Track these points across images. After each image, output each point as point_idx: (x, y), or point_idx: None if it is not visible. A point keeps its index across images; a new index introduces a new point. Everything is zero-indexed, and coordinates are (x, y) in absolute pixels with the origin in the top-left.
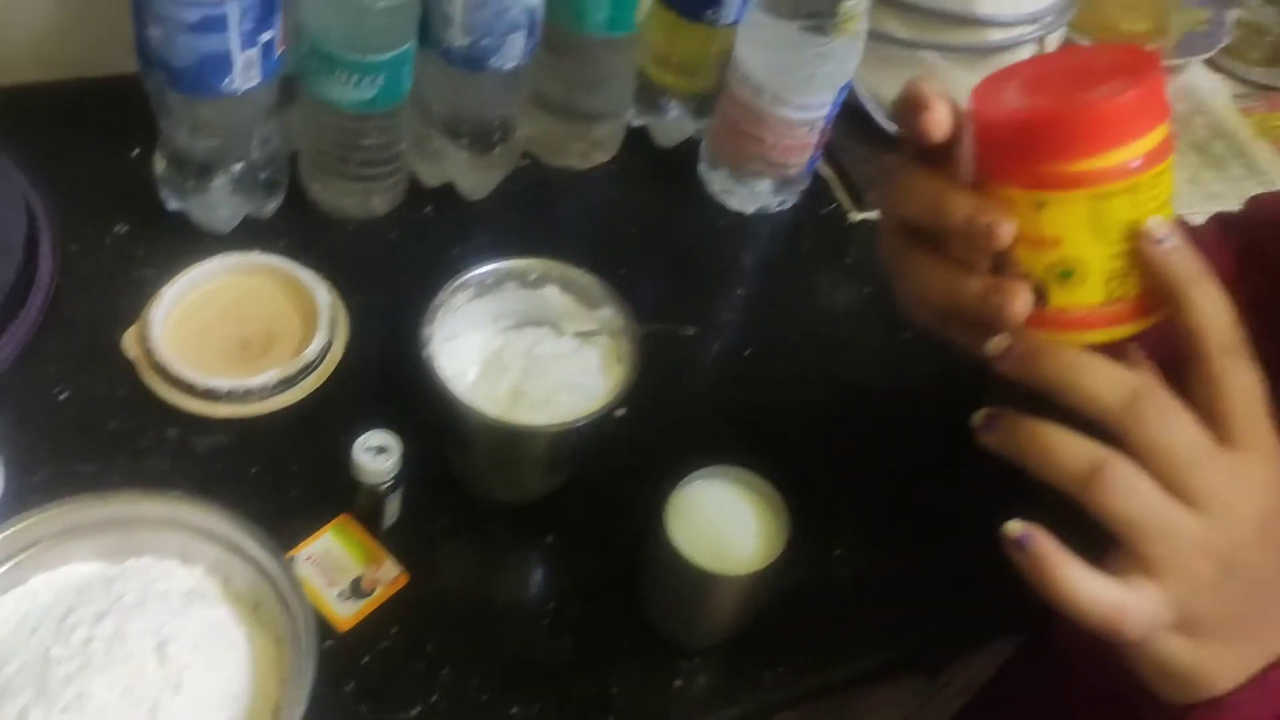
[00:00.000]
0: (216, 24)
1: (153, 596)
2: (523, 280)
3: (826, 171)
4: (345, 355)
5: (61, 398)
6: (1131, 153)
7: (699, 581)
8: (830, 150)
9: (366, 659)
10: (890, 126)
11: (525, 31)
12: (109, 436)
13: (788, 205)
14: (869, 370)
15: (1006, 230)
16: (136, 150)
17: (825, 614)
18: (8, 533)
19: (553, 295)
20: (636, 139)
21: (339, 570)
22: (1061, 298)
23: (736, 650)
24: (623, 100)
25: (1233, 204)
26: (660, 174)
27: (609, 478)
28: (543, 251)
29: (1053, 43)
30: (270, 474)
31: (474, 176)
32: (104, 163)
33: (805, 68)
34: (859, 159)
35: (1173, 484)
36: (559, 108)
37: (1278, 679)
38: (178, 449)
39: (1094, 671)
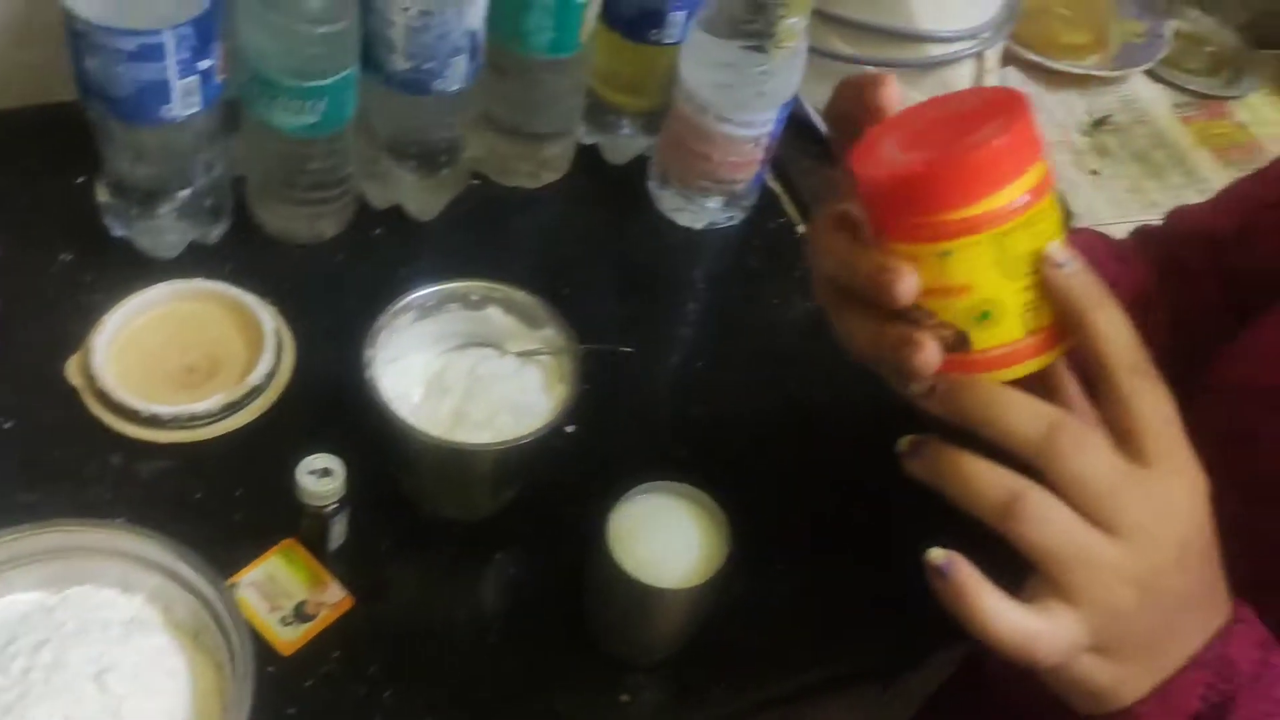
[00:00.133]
0: (153, 53)
1: (93, 625)
2: (465, 302)
3: (775, 186)
4: (292, 379)
5: (5, 427)
6: (1023, 186)
7: (640, 597)
8: (778, 164)
9: (309, 683)
10: None
11: (467, 54)
12: (52, 465)
13: (737, 220)
14: (817, 382)
15: (905, 287)
16: (81, 178)
17: (771, 627)
18: None
19: (495, 316)
20: (588, 157)
21: (282, 595)
22: (984, 340)
23: (683, 665)
24: (571, 120)
25: None
26: (611, 191)
27: (559, 494)
28: (493, 271)
29: (992, 57)
30: (215, 499)
31: (422, 198)
32: (48, 191)
33: (748, 86)
34: (806, 172)
35: (1092, 513)
36: (507, 128)
37: (1181, 687)
38: (121, 476)
39: (1014, 692)
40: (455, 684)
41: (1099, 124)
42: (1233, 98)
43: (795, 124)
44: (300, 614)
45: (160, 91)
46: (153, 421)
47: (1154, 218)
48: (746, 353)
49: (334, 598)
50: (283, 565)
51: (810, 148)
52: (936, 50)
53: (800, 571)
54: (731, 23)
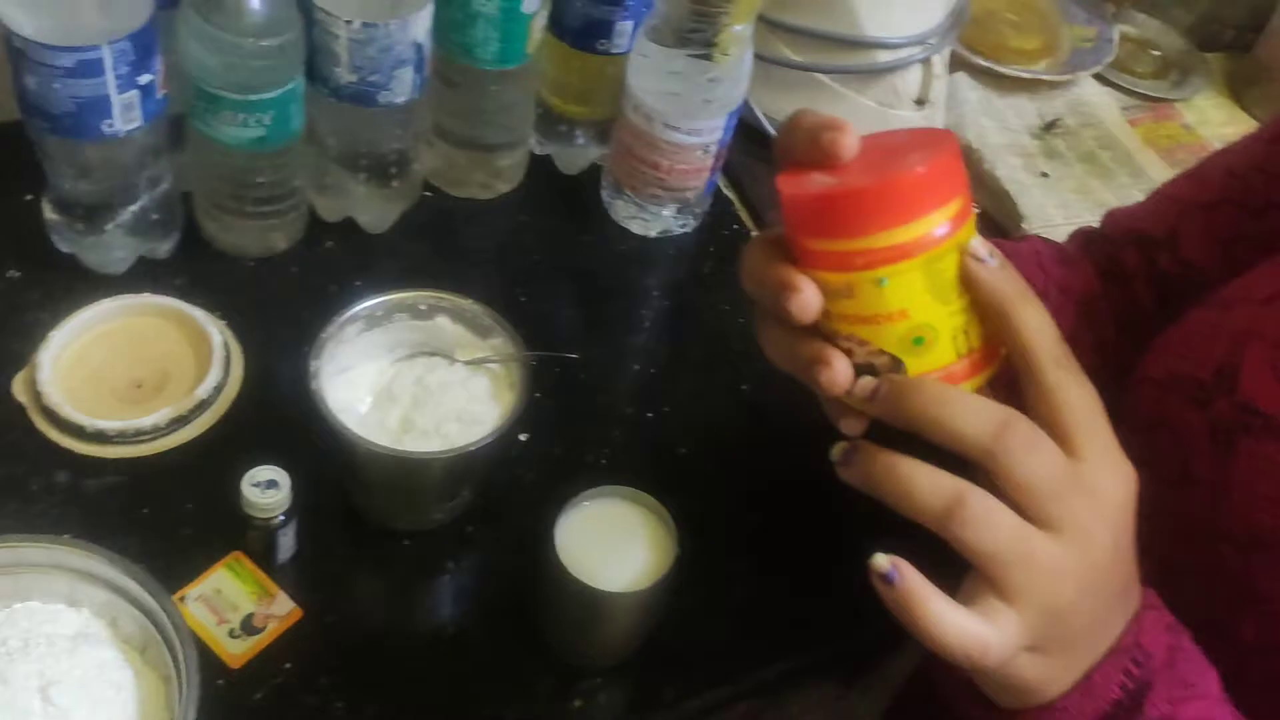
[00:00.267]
0: (92, 68)
1: (39, 640)
2: (413, 311)
3: (729, 193)
4: (241, 392)
5: None
6: (949, 213)
7: (589, 602)
8: (730, 171)
9: (259, 695)
10: None
11: (413, 66)
12: None
13: (690, 227)
14: (770, 385)
15: (801, 302)
16: (29, 195)
17: (726, 627)
18: None
19: (445, 325)
20: (542, 167)
21: (230, 608)
22: (918, 365)
23: (636, 668)
24: (522, 130)
25: None
26: (565, 201)
27: (512, 502)
28: (448, 282)
29: (939, 62)
30: (163, 514)
31: (375, 210)
32: None
33: (695, 94)
34: (758, 178)
35: (1035, 512)
36: (459, 139)
37: (1101, 679)
38: (68, 492)
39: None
40: (407, 694)
41: (1049, 127)
42: (1179, 100)
43: (746, 131)
44: (248, 626)
45: (100, 107)
46: (99, 437)
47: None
48: (701, 357)
49: (282, 610)
50: (230, 578)
51: (762, 154)
52: (884, 56)
53: (753, 571)
54: (677, 31)
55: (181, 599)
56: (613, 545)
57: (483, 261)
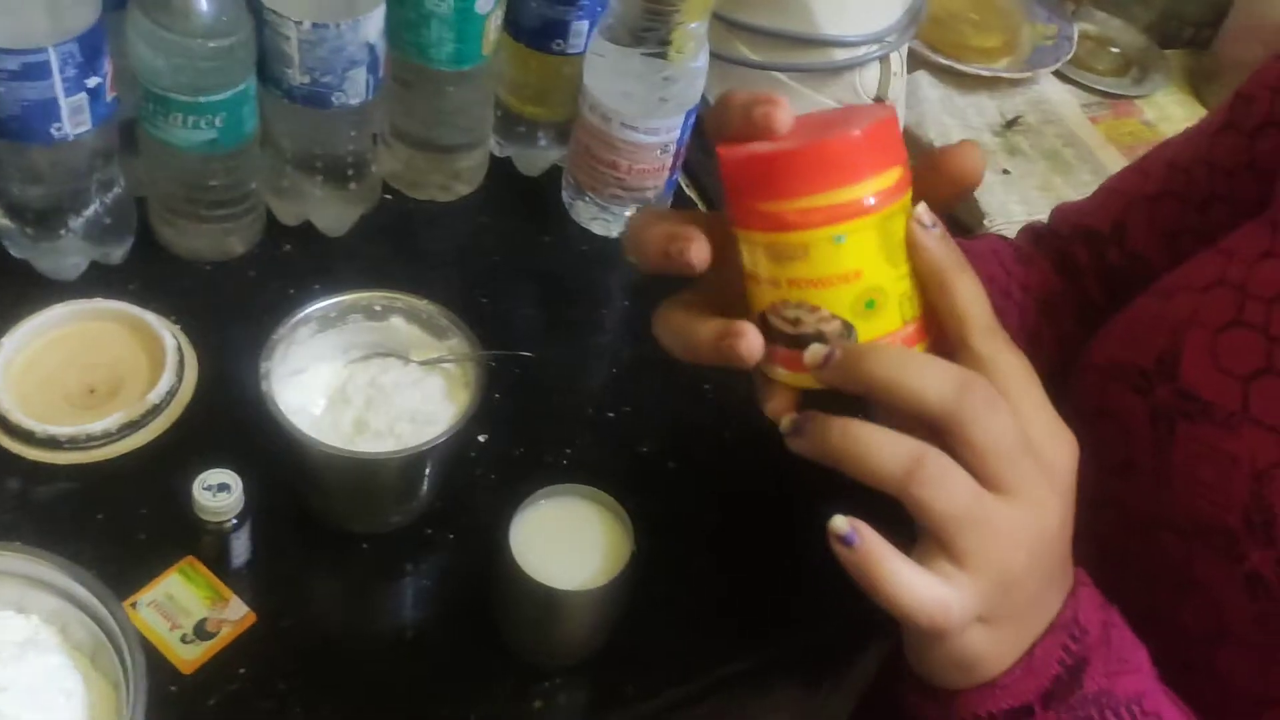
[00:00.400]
0: (38, 71)
1: None
2: (368, 312)
3: (690, 192)
4: (196, 396)
5: None
6: (900, 172)
7: (545, 600)
8: (690, 170)
9: (213, 701)
10: None
11: (366, 67)
12: None
13: None
14: (732, 383)
15: (750, 344)
16: None
17: (687, 626)
18: None
19: (399, 326)
20: (502, 169)
21: (183, 613)
22: (868, 330)
23: (597, 667)
24: (481, 131)
25: None
26: (527, 203)
27: (472, 503)
28: (409, 285)
29: (897, 60)
30: (116, 519)
31: (333, 213)
32: None
33: (651, 92)
34: (719, 177)
35: (992, 475)
36: (417, 141)
37: (1043, 654)
38: (20, 499)
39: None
40: (366, 697)
41: (1010, 125)
42: (1140, 97)
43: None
44: (201, 632)
45: (48, 111)
46: (50, 443)
47: None
48: (662, 357)
49: (236, 614)
50: (182, 583)
51: None
52: (841, 54)
53: (715, 569)
54: (631, 30)
55: (134, 605)
56: (568, 544)
57: (443, 264)
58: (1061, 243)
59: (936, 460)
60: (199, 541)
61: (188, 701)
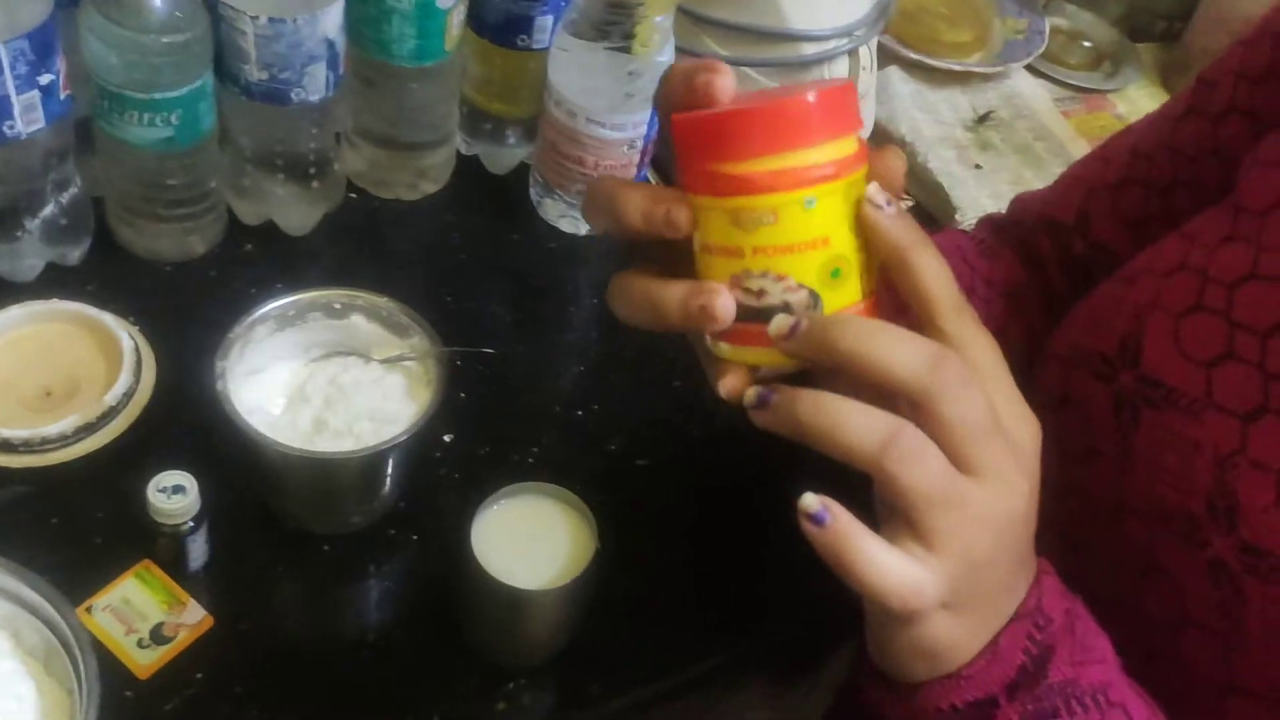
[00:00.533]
0: None
1: None
2: (327, 311)
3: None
4: (154, 398)
5: None
6: (859, 143)
7: (507, 600)
8: (659, 165)
9: (170, 706)
10: None
11: (325, 63)
12: None
13: None
14: (703, 382)
15: (723, 304)
16: None
17: (655, 624)
18: None
19: (360, 324)
20: (469, 167)
21: (138, 617)
22: (833, 300)
23: (562, 667)
24: (446, 129)
25: None
26: (494, 200)
27: (436, 503)
28: (372, 284)
29: (866, 54)
30: (71, 523)
31: (295, 212)
32: None
33: (616, 87)
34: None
35: (963, 453)
36: (381, 139)
37: (1008, 643)
38: None
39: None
40: (327, 700)
41: (982, 119)
42: (1112, 91)
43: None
44: (157, 636)
45: None
46: (4, 447)
47: None
48: (632, 355)
49: (193, 618)
50: (138, 587)
51: None
52: (810, 49)
53: (683, 567)
54: (595, 24)
55: (89, 609)
56: (531, 543)
57: (409, 263)
58: (1024, 233)
59: (913, 435)
60: (155, 545)
61: (144, 707)
